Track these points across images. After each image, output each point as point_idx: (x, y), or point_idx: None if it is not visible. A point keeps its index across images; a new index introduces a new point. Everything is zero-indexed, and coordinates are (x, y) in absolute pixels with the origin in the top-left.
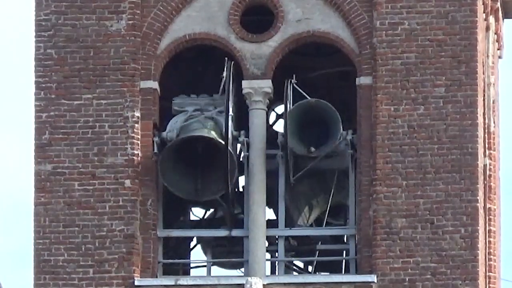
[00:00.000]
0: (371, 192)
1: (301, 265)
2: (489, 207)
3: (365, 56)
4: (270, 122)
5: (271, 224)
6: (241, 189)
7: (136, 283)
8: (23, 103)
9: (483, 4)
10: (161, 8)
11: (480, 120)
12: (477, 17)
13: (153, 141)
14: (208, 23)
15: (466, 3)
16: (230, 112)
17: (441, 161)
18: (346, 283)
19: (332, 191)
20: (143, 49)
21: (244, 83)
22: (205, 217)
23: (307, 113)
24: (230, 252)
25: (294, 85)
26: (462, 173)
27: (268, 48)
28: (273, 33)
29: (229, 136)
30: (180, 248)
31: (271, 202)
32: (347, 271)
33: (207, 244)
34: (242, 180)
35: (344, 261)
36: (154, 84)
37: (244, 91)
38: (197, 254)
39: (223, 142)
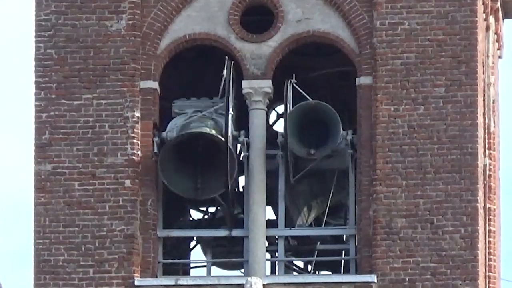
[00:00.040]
0: (371, 192)
1: (301, 265)
2: (489, 207)
3: (365, 56)
4: (271, 122)
5: (271, 224)
6: (241, 189)
7: (136, 283)
8: (23, 103)
9: (483, 4)
10: (161, 8)
11: (480, 120)
12: (477, 17)
13: (153, 141)
14: (208, 23)
15: (466, 3)
16: (230, 111)
17: (441, 161)
18: (346, 283)
19: (332, 191)
20: (143, 49)
21: (244, 83)
22: (205, 217)
23: (307, 115)
24: (230, 252)
25: (294, 85)
26: (462, 173)
27: (268, 48)
28: (273, 33)
29: (229, 133)
30: (180, 248)
31: (271, 202)
32: (347, 271)
33: (207, 244)
34: (242, 180)
35: (344, 261)
36: (154, 84)
37: (244, 91)
38: (197, 254)
39: (222, 139)
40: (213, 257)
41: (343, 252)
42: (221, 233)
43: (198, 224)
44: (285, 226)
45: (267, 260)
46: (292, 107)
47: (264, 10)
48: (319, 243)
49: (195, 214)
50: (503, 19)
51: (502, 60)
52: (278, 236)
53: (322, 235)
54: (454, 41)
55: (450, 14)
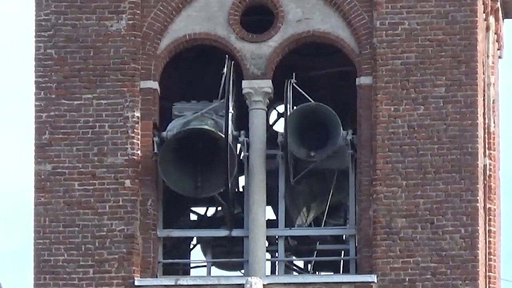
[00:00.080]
0: (371, 192)
1: (301, 265)
2: (489, 207)
3: (365, 56)
4: (271, 121)
5: (271, 224)
6: (241, 189)
7: (136, 283)
8: (23, 103)
9: (483, 4)
10: (161, 8)
11: (480, 120)
12: (477, 17)
13: (153, 141)
14: (208, 23)
15: (466, 3)
16: (230, 110)
17: (441, 161)
18: (346, 283)
19: (332, 191)
20: (143, 49)
21: (244, 83)
22: (205, 216)
23: (307, 116)
24: (230, 252)
25: (294, 85)
26: (462, 173)
27: (268, 48)
28: (273, 33)
29: (229, 131)
30: (180, 248)
31: (271, 202)
32: (347, 271)
33: (207, 244)
34: (242, 180)
35: (343, 261)
36: (154, 84)
37: (244, 91)
38: (197, 254)
39: (222, 135)
40: (213, 257)
41: (343, 252)
42: (221, 233)
43: (198, 224)
44: (285, 226)
45: (267, 260)
46: (292, 107)
47: (264, 10)
48: (318, 243)
49: (197, 211)
50: (503, 19)
51: (502, 60)
52: (278, 236)
53: (322, 235)
54: (454, 41)
55: (450, 14)
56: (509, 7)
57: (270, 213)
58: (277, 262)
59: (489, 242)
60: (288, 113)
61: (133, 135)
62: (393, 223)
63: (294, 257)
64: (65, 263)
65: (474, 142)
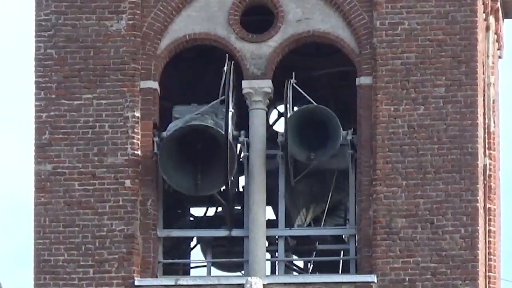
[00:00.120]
0: (371, 192)
1: (301, 265)
2: (489, 207)
3: (365, 56)
4: (271, 121)
5: (271, 224)
6: (241, 189)
7: (136, 283)
8: (23, 103)
9: (483, 4)
10: (161, 8)
11: (480, 120)
12: (477, 17)
13: (153, 141)
14: (208, 23)
15: (466, 3)
16: (230, 108)
17: (441, 161)
18: (346, 283)
19: (331, 191)
20: (143, 49)
21: (244, 83)
22: (205, 216)
23: (307, 118)
24: (230, 252)
25: (294, 85)
26: (462, 173)
27: (268, 48)
28: (273, 33)
29: (229, 128)
30: (180, 248)
31: (271, 202)
32: (347, 271)
33: (207, 244)
34: (242, 180)
35: (343, 261)
36: (154, 84)
37: (244, 91)
38: (197, 254)
39: (222, 132)
40: (213, 257)
41: (343, 252)
42: (221, 233)
43: (198, 224)
44: (285, 226)
45: (267, 260)
46: (292, 107)
47: (264, 10)
48: (317, 243)
49: (197, 211)
50: (503, 19)
51: (502, 60)
52: (278, 236)
53: (322, 235)
54: (454, 41)
55: (450, 14)
56: (509, 7)
57: (270, 213)
58: (277, 262)
59: (489, 242)
60: (288, 114)
61: (133, 135)
62: (393, 223)
63: (294, 257)
64: (65, 263)
65: (474, 142)
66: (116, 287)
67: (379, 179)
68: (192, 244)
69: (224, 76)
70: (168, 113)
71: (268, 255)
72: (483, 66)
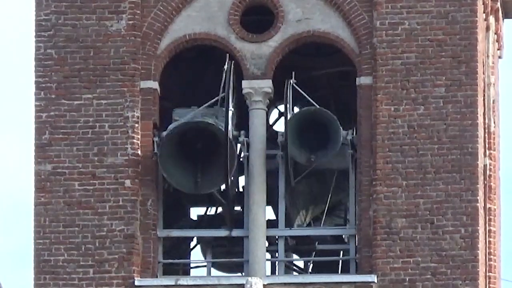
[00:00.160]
0: (371, 192)
1: (301, 265)
2: (489, 207)
3: (365, 56)
4: (272, 120)
5: (271, 224)
6: (241, 189)
7: (136, 283)
8: (23, 103)
9: (483, 4)
10: (161, 8)
11: (480, 120)
12: (477, 17)
13: (153, 141)
14: (208, 23)
15: (466, 3)
16: (231, 107)
17: (441, 161)
18: (346, 283)
19: (331, 191)
20: (143, 49)
21: (244, 83)
22: (205, 216)
23: (307, 120)
24: (230, 252)
25: (294, 85)
26: (462, 173)
27: (268, 48)
28: (273, 33)
29: (229, 126)
30: (180, 248)
31: (271, 202)
32: (346, 271)
33: (207, 244)
34: (242, 180)
35: (343, 261)
36: (154, 84)
37: (244, 91)
38: (197, 254)
39: (222, 129)
40: (213, 257)
41: (343, 252)
42: (221, 233)
43: (198, 224)
44: (285, 226)
45: (267, 260)
46: (292, 107)
47: (264, 10)
48: (317, 243)
49: (197, 211)
50: (503, 19)
51: (502, 60)
52: (278, 236)
53: (322, 235)
54: (454, 41)
55: (450, 14)
56: (509, 7)
57: (270, 213)
58: (277, 262)
59: (489, 242)
60: (288, 114)
61: (133, 135)
62: (393, 223)
63: (294, 257)
64: (65, 263)
65: (474, 142)
66: (116, 287)
67: (379, 179)
68: (192, 244)
69: (224, 75)
70: (168, 113)
71: (268, 255)
72: (483, 66)
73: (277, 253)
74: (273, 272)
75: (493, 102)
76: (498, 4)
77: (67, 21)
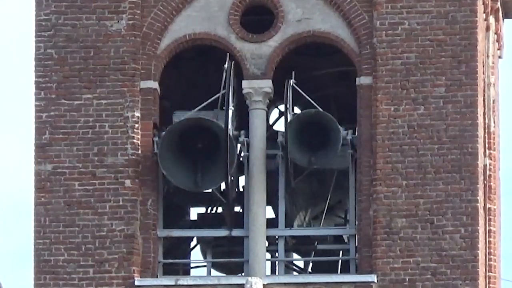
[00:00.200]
0: (371, 192)
1: (301, 265)
2: (489, 207)
3: (365, 56)
4: (272, 120)
5: (271, 224)
6: (241, 189)
7: (136, 283)
8: (23, 103)
9: (483, 4)
10: (161, 8)
11: (480, 120)
12: (477, 17)
13: (153, 141)
14: (208, 23)
15: (466, 3)
16: (231, 106)
17: (441, 161)
18: (346, 283)
19: (331, 191)
20: (143, 49)
21: (244, 83)
22: (205, 214)
23: (307, 122)
24: (230, 252)
25: (294, 85)
26: (462, 173)
27: (268, 48)
28: (273, 33)
29: (229, 123)
30: (180, 248)
31: (271, 202)
32: (346, 271)
33: (207, 244)
34: (242, 180)
35: (343, 261)
36: (154, 84)
37: (244, 91)
38: (197, 254)
39: (223, 126)
40: (213, 257)
41: (343, 252)
42: (221, 233)
43: (198, 224)
44: (285, 226)
45: (267, 260)
46: (293, 107)
47: (264, 10)
48: (317, 243)
49: (197, 211)
50: (503, 19)
51: (502, 60)
52: (278, 236)
53: (322, 235)
54: (454, 41)
55: (450, 14)
56: (509, 7)
57: (270, 213)
58: (277, 262)
59: (489, 242)
60: (288, 114)
61: (133, 135)
62: (393, 223)
63: (294, 257)
64: (65, 263)
65: (474, 142)
66: (116, 287)
67: (379, 179)
68: (192, 244)
69: (224, 75)
70: (168, 113)
71: (268, 255)
72: (483, 66)
73: (277, 253)
74: (273, 272)
75: (493, 102)
76: (498, 4)
77: (67, 21)
